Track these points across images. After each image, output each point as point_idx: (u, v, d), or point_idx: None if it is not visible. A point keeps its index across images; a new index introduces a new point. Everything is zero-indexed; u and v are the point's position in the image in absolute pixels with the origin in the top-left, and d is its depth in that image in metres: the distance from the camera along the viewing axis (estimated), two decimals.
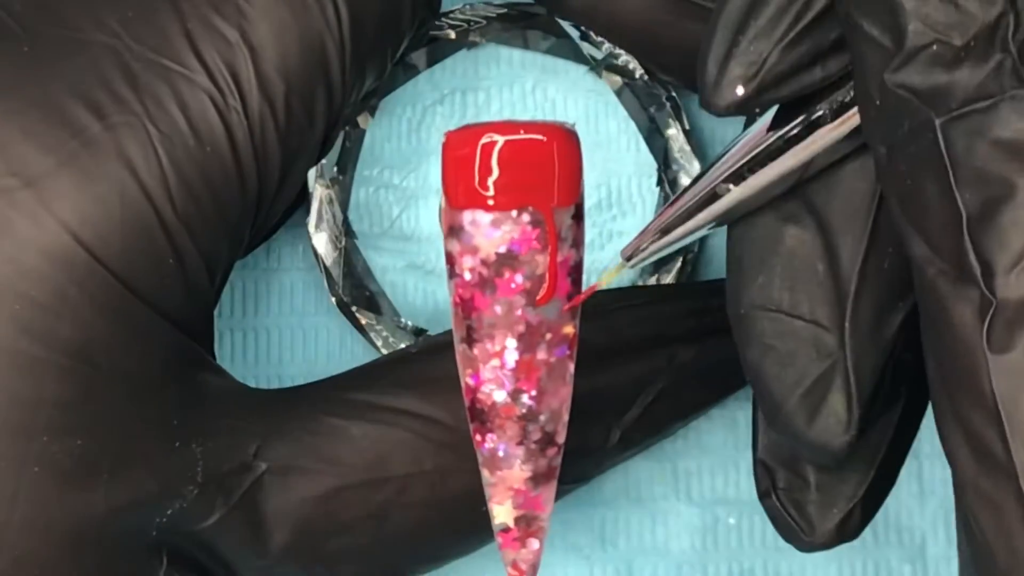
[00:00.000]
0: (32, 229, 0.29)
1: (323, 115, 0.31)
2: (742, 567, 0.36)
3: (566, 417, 0.30)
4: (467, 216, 0.28)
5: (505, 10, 0.37)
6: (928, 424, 0.36)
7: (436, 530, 0.33)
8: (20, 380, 0.29)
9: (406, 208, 0.37)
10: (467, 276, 0.28)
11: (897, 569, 0.36)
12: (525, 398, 0.29)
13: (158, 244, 0.30)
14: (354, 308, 0.36)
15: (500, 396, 0.29)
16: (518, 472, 0.30)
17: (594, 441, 0.33)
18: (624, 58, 0.36)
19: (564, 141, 0.28)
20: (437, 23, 0.36)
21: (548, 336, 0.29)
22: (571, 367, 0.29)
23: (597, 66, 0.37)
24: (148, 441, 0.30)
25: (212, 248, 0.31)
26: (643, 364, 0.33)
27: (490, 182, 0.28)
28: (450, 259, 0.29)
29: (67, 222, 0.29)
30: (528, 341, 0.29)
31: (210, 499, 0.31)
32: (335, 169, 0.36)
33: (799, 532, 0.30)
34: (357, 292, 0.36)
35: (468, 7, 0.37)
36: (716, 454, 0.37)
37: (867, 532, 0.36)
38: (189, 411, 0.31)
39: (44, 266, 0.29)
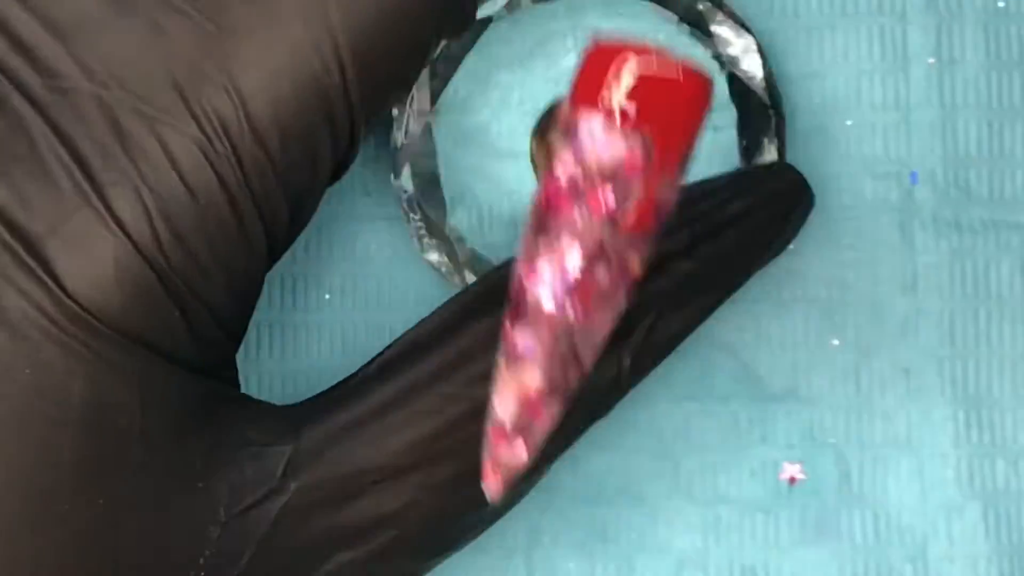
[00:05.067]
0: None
1: (328, 153, 0.31)
2: (743, 565, 0.36)
3: (599, 346, 0.29)
4: (584, 119, 0.28)
5: None
6: (929, 422, 0.36)
7: (442, 522, 0.32)
8: (38, 444, 0.28)
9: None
10: (561, 177, 0.29)
11: (898, 568, 0.36)
12: (569, 309, 0.29)
13: (158, 299, 0.29)
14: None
15: (547, 299, 0.29)
16: (534, 377, 0.29)
17: (608, 372, 0.33)
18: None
19: (703, 90, 0.29)
20: None
21: (614, 262, 0.29)
22: (623, 300, 0.29)
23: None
24: (171, 492, 0.30)
25: (216, 299, 0.30)
26: (642, 289, 0.32)
27: (622, 96, 0.28)
28: (551, 154, 0.29)
29: (64, 287, 0.29)
30: (594, 258, 0.29)
31: (236, 539, 0.30)
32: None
33: None
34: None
35: None
36: (717, 452, 0.37)
37: (868, 531, 0.36)
38: (213, 450, 0.30)
39: (50, 329, 0.29)
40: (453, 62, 0.37)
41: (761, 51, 0.36)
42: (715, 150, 0.37)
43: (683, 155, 0.29)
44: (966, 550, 0.36)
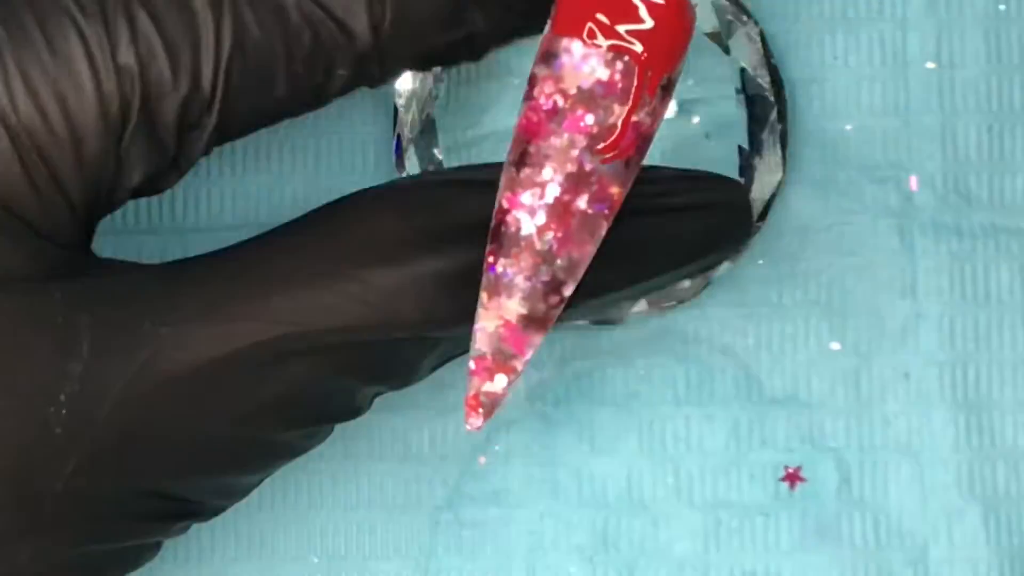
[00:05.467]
0: None
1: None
2: (744, 570, 0.36)
3: (580, 275, 0.30)
4: (564, 43, 0.29)
5: None
6: (929, 427, 0.36)
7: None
8: None
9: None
10: (542, 100, 0.29)
11: (899, 573, 0.36)
12: (549, 236, 0.29)
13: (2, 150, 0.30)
14: None
15: (527, 226, 0.29)
16: (515, 305, 0.30)
17: None
18: None
19: (681, 13, 0.29)
20: None
21: (594, 188, 0.29)
22: (604, 228, 0.30)
23: None
24: (22, 323, 0.29)
25: (60, 164, 0.30)
26: None
27: (600, 18, 0.29)
28: (532, 81, 0.29)
29: None
30: (573, 184, 0.29)
31: (98, 381, 0.30)
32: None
33: None
34: None
35: None
36: (718, 456, 0.37)
37: (869, 535, 0.36)
38: (73, 290, 0.30)
39: None
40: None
41: (763, 37, 0.36)
42: (714, 160, 0.37)
43: (665, 80, 0.29)
44: (967, 554, 0.36)
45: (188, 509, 0.32)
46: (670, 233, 0.32)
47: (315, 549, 0.37)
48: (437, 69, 0.36)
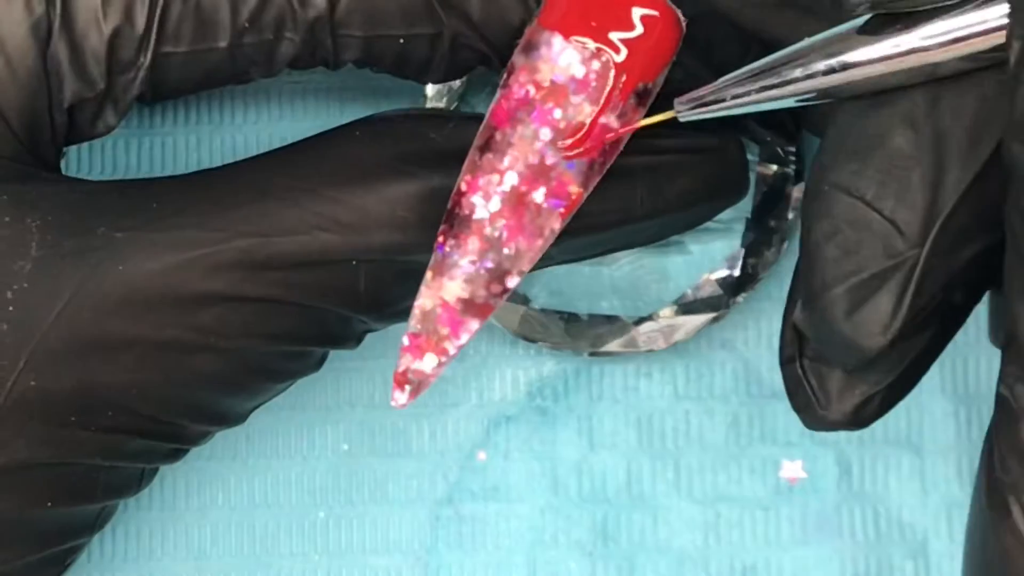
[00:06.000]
0: None
1: None
2: (744, 564, 0.36)
3: (525, 269, 0.30)
4: (546, 36, 0.30)
5: None
6: (930, 420, 0.36)
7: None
8: None
9: None
10: (515, 89, 0.30)
11: (899, 566, 0.36)
12: (500, 224, 0.30)
13: None
14: None
15: (480, 211, 0.30)
16: (456, 287, 0.30)
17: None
18: None
19: (670, 27, 0.30)
20: None
21: (553, 183, 0.30)
22: (556, 225, 0.30)
23: None
24: None
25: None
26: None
27: (591, 21, 0.29)
28: (510, 70, 0.30)
29: None
30: (533, 175, 0.30)
31: (48, 282, 0.30)
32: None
33: (815, 404, 0.29)
34: None
35: None
36: (717, 451, 0.37)
37: (869, 528, 0.36)
38: (21, 191, 0.30)
39: None
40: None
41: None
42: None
43: (640, 87, 0.29)
44: None
45: (168, 431, 0.31)
46: (660, 173, 0.31)
47: (315, 545, 0.37)
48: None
